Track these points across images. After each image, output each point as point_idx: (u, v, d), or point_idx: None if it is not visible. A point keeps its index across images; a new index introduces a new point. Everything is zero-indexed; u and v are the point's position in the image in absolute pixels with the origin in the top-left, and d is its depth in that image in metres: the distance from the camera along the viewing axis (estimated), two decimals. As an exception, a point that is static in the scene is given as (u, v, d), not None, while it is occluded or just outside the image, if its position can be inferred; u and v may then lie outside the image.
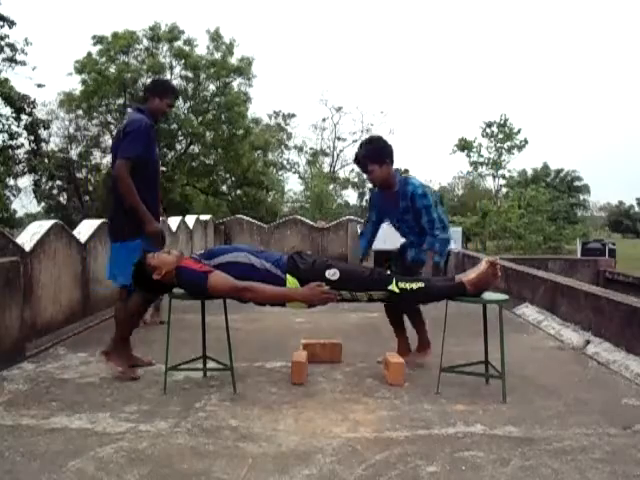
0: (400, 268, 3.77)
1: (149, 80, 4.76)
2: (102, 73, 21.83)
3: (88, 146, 25.53)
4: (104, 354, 3.63)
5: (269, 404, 3.10)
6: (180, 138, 25.07)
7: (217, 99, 24.47)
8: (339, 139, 37.35)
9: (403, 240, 4.06)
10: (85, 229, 5.78)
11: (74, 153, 25.69)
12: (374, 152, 3.81)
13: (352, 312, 5.41)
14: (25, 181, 23.75)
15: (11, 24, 18.19)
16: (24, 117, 18.28)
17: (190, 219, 9.86)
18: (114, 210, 3.67)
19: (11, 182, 20.36)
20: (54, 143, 24.63)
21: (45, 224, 4.90)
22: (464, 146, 30.63)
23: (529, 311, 5.86)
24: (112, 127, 24.83)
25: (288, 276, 3.18)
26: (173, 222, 8.78)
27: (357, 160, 3.93)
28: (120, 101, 23.51)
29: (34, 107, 18.38)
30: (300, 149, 38.38)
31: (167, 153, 25.44)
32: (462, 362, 3.48)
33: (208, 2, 64.55)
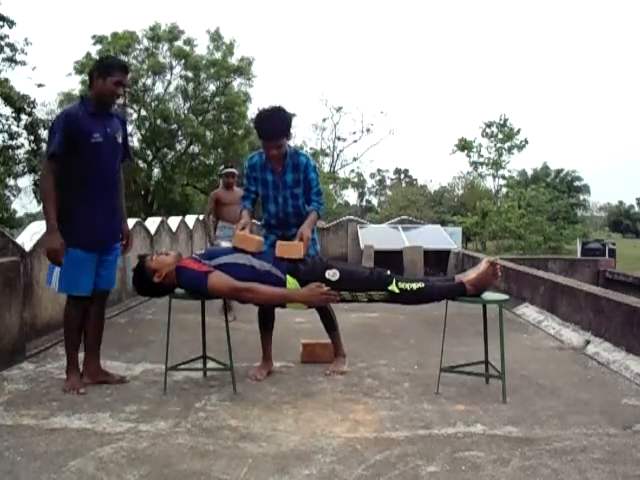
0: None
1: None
2: (102, 73, 21.82)
3: (88, 146, 25.48)
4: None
5: (269, 404, 3.10)
6: (180, 138, 25.08)
7: (217, 99, 24.48)
8: (339, 139, 37.35)
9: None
10: (85, 229, 5.77)
11: (74, 153, 25.65)
12: (288, 126, 3.45)
13: (352, 312, 5.41)
14: (25, 181, 23.75)
15: (11, 24, 18.17)
16: (24, 117, 18.25)
17: (190, 219, 9.86)
18: None
19: (11, 182, 20.35)
20: (54, 143, 24.61)
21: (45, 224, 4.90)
22: (464, 146, 30.63)
23: (529, 311, 5.86)
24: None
25: (288, 277, 3.18)
26: (173, 222, 8.78)
27: (270, 136, 3.42)
28: (120, 101, 23.48)
29: (34, 107, 18.34)
30: (300, 149, 38.36)
31: (167, 153, 25.45)
32: (462, 362, 3.48)
33: (208, 2, 64.61)
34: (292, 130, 3.54)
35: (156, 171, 25.59)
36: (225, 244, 5.63)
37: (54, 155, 3.14)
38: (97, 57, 22.20)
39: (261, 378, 3.54)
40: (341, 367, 3.70)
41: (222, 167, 6.21)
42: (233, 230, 5.34)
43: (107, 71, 3.27)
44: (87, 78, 3.75)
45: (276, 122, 3.43)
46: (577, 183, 41.74)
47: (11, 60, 19.11)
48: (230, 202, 5.76)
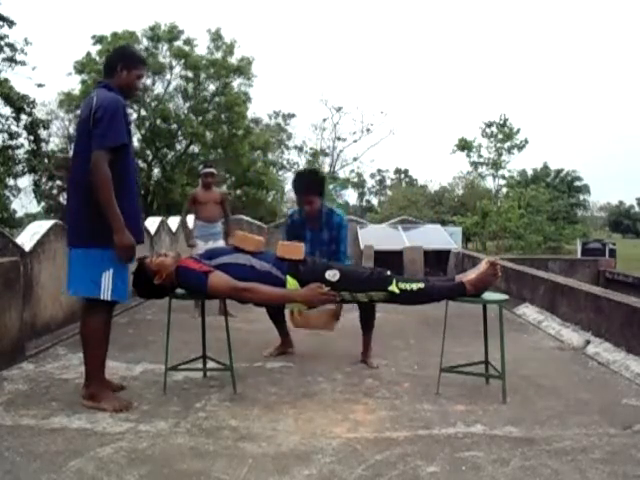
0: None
1: (114, 52, 2.62)
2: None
3: (88, 146, 25.45)
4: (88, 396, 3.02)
5: (269, 404, 3.10)
6: (180, 138, 25.08)
7: (217, 99, 24.48)
8: (339, 139, 37.38)
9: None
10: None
11: (74, 153, 25.65)
12: (320, 184, 3.88)
13: (352, 312, 5.40)
14: (25, 181, 23.78)
15: (11, 24, 18.16)
16: (24, 117, 18.23)
17: (190, 219, 9.84)
18: (79, 208, 2.97)
19: (11, 182, 20.34)
20: (54, 143, 24.64)
21: (45, 224, 4.90)
22: (464, 146, 30.60)
23: (529, 311, 5.86)
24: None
25: (288, 277, 3.19)
26: (173, 222, 8.77)
27: (301, 190, 3.88)
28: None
29: (34, 107, 18.32)
30: (300, 149, 38.42)
31: (167, 153, 25.44)
32: (462, 362, 3.48)
33: (208, 2, 64.64)
34: (325, 190, 3.98)
35: (156, 171, 25.60)
36: (202, 243, 5.64)
37: (117, 145, 2.89)
38: (97, 57, 22.24)
39: (266, 354, 3.93)
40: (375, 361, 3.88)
41: (201, 167, 6.15)
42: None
43: (132, 64, 3.11)
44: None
45: (308, 180, 3.93)
46: (577, 183, 41.73)
47: (11, 60, 19.10)
48: (207, 201, 5.79)
